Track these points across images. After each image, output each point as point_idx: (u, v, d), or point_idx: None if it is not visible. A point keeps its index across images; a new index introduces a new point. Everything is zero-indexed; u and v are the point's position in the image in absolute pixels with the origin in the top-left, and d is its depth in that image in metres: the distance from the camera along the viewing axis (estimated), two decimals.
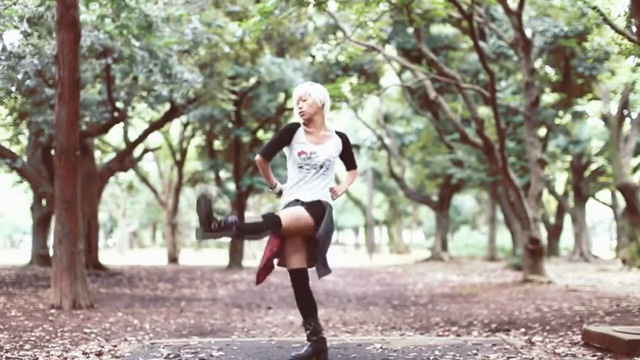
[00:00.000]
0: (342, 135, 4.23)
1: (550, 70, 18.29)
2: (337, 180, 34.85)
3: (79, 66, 8.44)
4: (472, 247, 32.97)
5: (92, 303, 8.20)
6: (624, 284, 11.76)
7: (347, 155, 4.27)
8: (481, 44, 14.11)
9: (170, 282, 13.31)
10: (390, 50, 20.35)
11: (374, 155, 30.32)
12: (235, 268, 18.73)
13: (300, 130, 4.11)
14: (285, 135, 4.10)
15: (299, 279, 4.06)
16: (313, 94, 4.11)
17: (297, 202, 4.05)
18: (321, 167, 4.08)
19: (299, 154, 4.06)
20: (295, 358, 4.01)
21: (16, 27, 9.87)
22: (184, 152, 23.15)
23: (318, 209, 4.01)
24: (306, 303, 4.09)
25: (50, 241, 14.12)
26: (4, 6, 9.37)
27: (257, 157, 4.11)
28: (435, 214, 27.37)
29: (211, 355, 4.33)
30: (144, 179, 25.09)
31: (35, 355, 4.68)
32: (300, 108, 4.11)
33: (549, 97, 19.11)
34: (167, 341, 5.21)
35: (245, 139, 18.88)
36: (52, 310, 7.67)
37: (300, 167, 4.07)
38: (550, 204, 31.52)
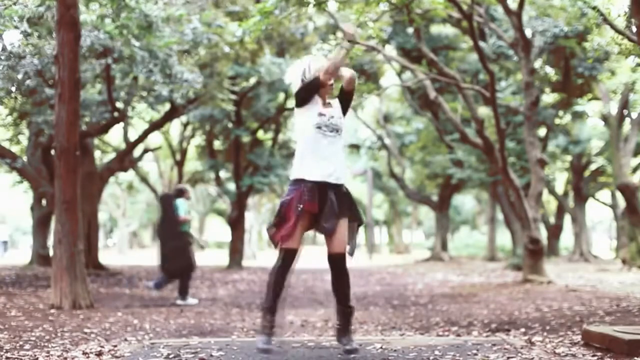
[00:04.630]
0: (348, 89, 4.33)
1: (550, 70, 18.28)
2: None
3: (79, 66, 8.44)
4: (472, 247, 32.95)
5: (92, 303, 8.20)
6: (624, 284, 11.76)
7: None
8: (481, 44, 14.10)
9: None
10: (390, 50, 20.35)
11: (374, 155, 30.32)
12: (235, 268, 18.72)
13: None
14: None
15: (292, 261, 4.09)
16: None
17: (307, 185, 4.05)
18: (332, 128, 4.19)
19: (319, 114, 4.18)
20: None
21: (16, 27, 9.87)
22: (184, 152, 23.15)
23: (338, 196, 4.08)
24: (281, 292, 4.12)
25: (50, 241, 14.12)
26: (4, 6, 9.37)
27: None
28: (435, 214, 27.36)
29: (211, 355, 4.33)
30: (144, 179, 25.08)
31: (35, 355, 4.68)
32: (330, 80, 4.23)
33: (549, 97, 19.10)
34: (167, 341, 5.21)
35: (245, 139, 18.87)
36: (52, 310, 7.67)
37: (319, 127, 4.16)
38: (550, 204, 31.52)
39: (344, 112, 4.31)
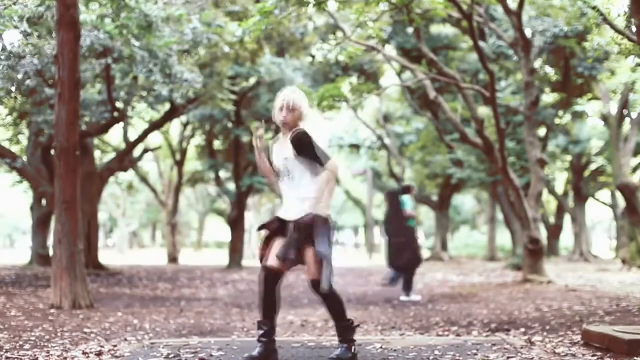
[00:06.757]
0: (294, 132, 4.16)
1: (550, 70, 18.28)
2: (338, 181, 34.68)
3: (79, 66, 8.44)
4: (472, 247, 32.96)
5: (92, 303, 8.20)
6: (624, 284, 11.76)
7: (305, 153, 4.08)
8: (481, 44, 14.10)
9: (170, 282, 13.30)
10: (390, 50, 20.35)
11: (374, 155, 30.32)
12: (235, 268, 18.72)
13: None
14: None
15: (270, 279, 4.06)
16: (299, 102, 4.30)
17: (276, 220, 4.15)
18: (283, 174, 4.15)
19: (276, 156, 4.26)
20: (249, 359, 3.97)
21: (16, 27, 9.88)
22: (184, 152, 23.16)
23: (301, 231, 4.01)
24: (272, 304, 4.07)
25: (50, 241, 14.13)
26: (4, 6, 9.37)
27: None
28: (435, 214, 27.36)
29: (211, 355, 4.33)
30: (144, 179, 25.10)
31: (35, 355, 4.68)
32: (284, 117, 4.29)
33: (549, 97, 19.10)
34: (167, 341, 5.21)
35: (245, 139, 18.88)
36: (52, 310, 7.67)
37: (276, 172, 4.23)
38: (550, 204, 31.52)
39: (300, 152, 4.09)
